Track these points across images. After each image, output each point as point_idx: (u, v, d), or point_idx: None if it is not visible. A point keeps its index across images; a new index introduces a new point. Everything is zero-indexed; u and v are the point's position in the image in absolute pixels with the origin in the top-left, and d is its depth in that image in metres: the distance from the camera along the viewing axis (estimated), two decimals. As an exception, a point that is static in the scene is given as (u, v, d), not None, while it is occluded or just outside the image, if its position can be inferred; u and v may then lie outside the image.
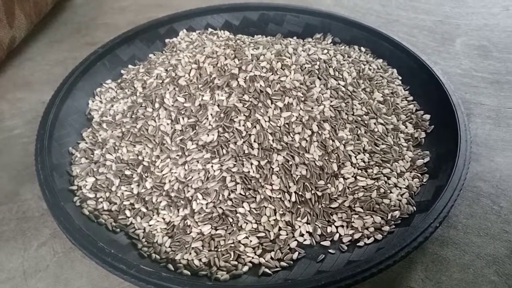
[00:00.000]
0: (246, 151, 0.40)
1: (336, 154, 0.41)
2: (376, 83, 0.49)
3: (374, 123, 0.45)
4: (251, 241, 0.37)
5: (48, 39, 0.63)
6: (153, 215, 0.39)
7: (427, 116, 0.47)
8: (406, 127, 0.46)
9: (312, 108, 0.43)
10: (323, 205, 0.39)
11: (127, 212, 0.40)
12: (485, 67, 0.58)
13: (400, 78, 0.52)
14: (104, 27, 0.65)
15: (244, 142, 0.41)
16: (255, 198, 0.39)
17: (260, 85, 0.43)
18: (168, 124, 0.43)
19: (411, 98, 0.50)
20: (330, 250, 0.37)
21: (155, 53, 0.56)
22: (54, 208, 0.37)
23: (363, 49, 0.56)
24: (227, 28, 0.60)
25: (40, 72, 0.58)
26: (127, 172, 0.42)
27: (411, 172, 0.42)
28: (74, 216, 0.37)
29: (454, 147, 0.41)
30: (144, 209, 0.40)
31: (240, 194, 0.39)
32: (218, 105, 0.43)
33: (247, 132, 0.41)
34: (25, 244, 0.40)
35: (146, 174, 0.42)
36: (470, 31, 0.64)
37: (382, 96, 0.48)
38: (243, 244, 0.37)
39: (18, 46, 0.60)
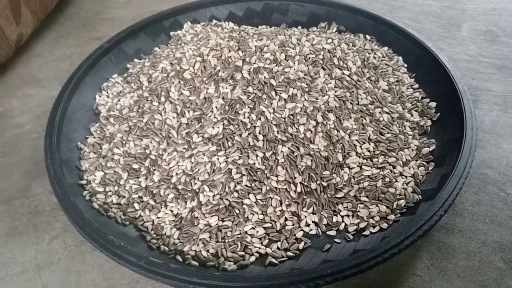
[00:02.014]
0: (251, 143, 0.41)
1: (341, 144, 0.41)
2: (381, 71, 0.49)
3: (379, 112, 0.45)
4: (257, 231, 0.38)
5: (55, 35, 0.64)
6: (161, 208, 0.40)
7: (433, 104, 0.47)
8: (412, 115, 0.46)
9: (317, 99, 0.43)
10: (328, 195, 0.40)
11: (136, 205, 0.40)
12: (492, 52, 0.57)
13: (405, 65, 0.52)
14: (109, 22, 0.66)
15: (249, 134, 0.41)
16: (261, 189, 0.39)
17: (264, 77, 0.43)
18: (174, 117, 0.44)
19: (416, 85, 0.50)
20: (336, 240, 0.38)
21: (160, 46, 0.57)
22: (65, 203, 0.38)
23: (368, 37, 0.55)
24: (232, 19, 0.60)
25: (48, 68, 0.59)
26: (135, 166, 0.43)
27: (416, 160, 0.42)
28: (84, 210, 0.38)
29: (460, 134, 0.41)
30: (152, 202, 0.40)
31: (246, 185, 0.39)
32: (223, 98, 0.43)
33: (252, 124, 0.41)
34: (37, 238, 0.41)
35: (153, 168, 0.42)
36: (476, 15, 0.63)
37: (387, 85, 0.48)
38: (249, 235, 0.38)
39: (25, 42, 0.61)
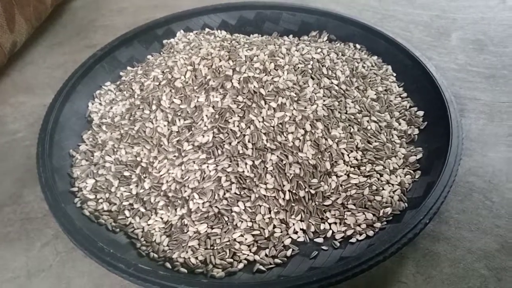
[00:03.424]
0: (241, 151, 0.41)
1: (329, 153, 0.42)
2: (370, 80, 0.50)
3: (367, 121, 0.45)
4: (246, 239, 0.38)
5: (49, 43, 0.65)
6: (152, 215, 0.41)
7: (421, 113, 0.48)
8: (400, 124, 0.47)
9: (305, 108, 0.43)
10: (316, 202, 0.40)
11: (126, 212, 0.41)
12: (480, 61, 0.58)
13: (394, 74, 0.53)
14: (103, 29, 0.66)
15: (238, 142, 0.42)
16: (250, 197, 0.40)
17: (254, 86, 0.44)
18: (165, 125, 0.44)
19: (405, 94, 0.51)
20: (323, 247, 0.38)
21: (153, 54, 0.57)
22: (56, 210, 0.39)
23: (358, 46, 0.56)
24: (224, 28, 0.61)
25: (42, 76, 0.59)
26: (126, 173, 0.43)
27: (403, 168, 0.43)
28: (75, 217, 0.39)
29: (446, 143, 0.42)
30: (142, 209, 0.41)
31: (235, 193, 0.40)
32: (213, 107, 0.44)
33: (241, 132, 0.42)
34: (28, 244, 0.41)
35: (144, 175, 0.43)
36: (466, 25, 0.64)
37: (375, 94, 0.48)
38: (238, 242, 0.38)
39: (19, 50, 0.62)
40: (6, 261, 0.40)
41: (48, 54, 0.63)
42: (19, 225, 0.43)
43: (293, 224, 0.39)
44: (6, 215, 0.44)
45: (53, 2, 0.67)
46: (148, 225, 0.40)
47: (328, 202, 0.40)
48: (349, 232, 0.39)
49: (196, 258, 0.37)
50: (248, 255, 0.38)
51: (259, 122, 0.42)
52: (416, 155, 0.44)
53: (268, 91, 0.44)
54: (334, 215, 0.40)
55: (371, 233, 0.38)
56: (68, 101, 0.49)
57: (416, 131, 0.46)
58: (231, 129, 0.42)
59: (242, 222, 0.39)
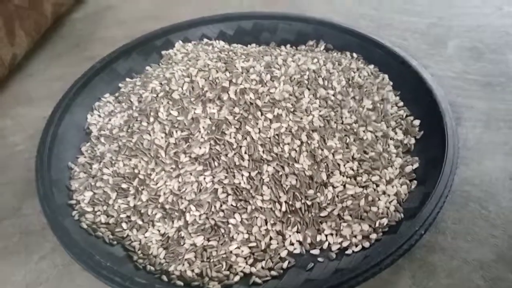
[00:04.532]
0: (237, 163, 0.41)
1: (325, 163, 0.42)
2: (366, 90, 0.50)
3: (363, 131, 0.45)
4: (242, 251, 0.39)
5: (48, 55, 0.65)
6: (149, 227, 0.41)
7: (417, 122, 0.48)
8: (396, 134, 0.47)
9: (301, 119, 0.44)
10: (312, 214, 0.40)
11: (124, 225, 0.41)
12: (477, 69, 0.58)
13: (391, 83, 0.53)
14: (102, 41, 0.67)
15: (235, 154, 0.42)
16: (246, 208, 0.40)
17: (250, 98, 0.44)
18: (162, 137, 0.45)
19: (401, 103, 0.51)
20: (319, 259, 0.38)
21: (152, 66, 0.58)
22: (53, 223, 0.39)
23: (355, 55, 0.56)
24: (222, 38, 0.61)
25: (41, 88, 0.60)
26: (124, 186, 0.43)
27: (400, 178, 0.43)
28: (72, 230, 0.39)
29: (442, 153, 0.42)
30: (140, 222, 0.41)
31: (232, 205, 0.40)
32: (210, 118, 0.44)
33: (237, 144, 0.42)
34: (27, 257, 0.41)
35: (141, 187, 0.43)
36: (462, 32, 0.64)
37: (371, 103, 0.48)
38: (234, 254, 0.38)
39: (19, 62, 0.62)
40: (5, 275, 0.40)
41: (47, 66, 0.63)
42: (18, 238, 0.43)
43: (290, 235, 0.40)
44: (6, 228, 0.44)
45: (53, 15, 0.67)
46: (145, 237, 0.40)
47: (324, 213, 0.40)
48: (345, 244, 0.39)
49: (192, 271, 0.37)
50: (244, 267, 0.38)
51: (256, 133, 0.43)
52: (412, 165, 0.44)
53: (264, 102, 0.44)
54: (331, 226, 0.40)
55: (367, 244, 0.38)
56: (68, 113, 0.50)
57: (413, 141, 0.47)
58: (227, 141, 0.42)
59: (238, 234, 0.39)
